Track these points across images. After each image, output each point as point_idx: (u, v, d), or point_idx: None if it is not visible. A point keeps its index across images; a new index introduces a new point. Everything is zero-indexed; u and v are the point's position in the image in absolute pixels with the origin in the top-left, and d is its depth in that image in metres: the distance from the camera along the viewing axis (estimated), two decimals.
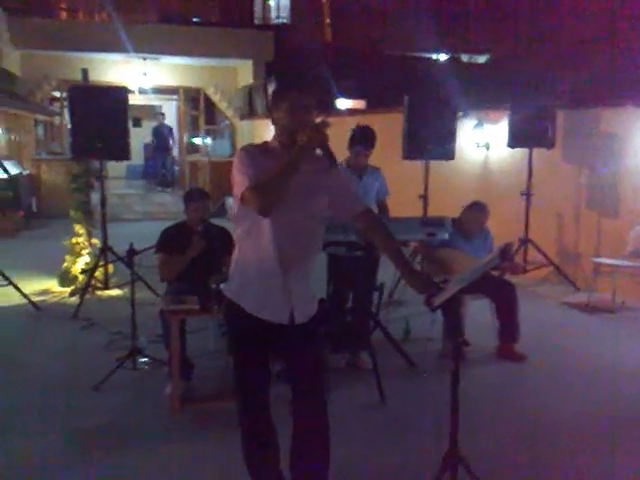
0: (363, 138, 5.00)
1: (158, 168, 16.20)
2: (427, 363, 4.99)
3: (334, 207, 2.75)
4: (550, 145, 7.45)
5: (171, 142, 15.97)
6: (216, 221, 4.82)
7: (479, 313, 5.31)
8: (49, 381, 4.68)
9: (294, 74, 13.00)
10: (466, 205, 5.39)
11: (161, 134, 15.87)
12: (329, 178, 2.69)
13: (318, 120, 2.55)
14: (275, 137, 2.68)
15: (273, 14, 16.69)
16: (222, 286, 2.83)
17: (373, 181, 5.19)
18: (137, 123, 17.16)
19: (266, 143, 2.71)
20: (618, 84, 7.93)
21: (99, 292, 7.10)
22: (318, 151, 2.55)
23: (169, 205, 14.12)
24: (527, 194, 7.71)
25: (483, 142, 8.81)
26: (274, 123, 2.66)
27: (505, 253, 2.57)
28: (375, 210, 5.17)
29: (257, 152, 2.61)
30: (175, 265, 4.53)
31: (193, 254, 4.48)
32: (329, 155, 2.50)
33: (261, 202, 2.41)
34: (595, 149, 7.47)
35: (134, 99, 13.28)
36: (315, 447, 2.77)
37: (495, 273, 5.31)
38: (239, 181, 2.51)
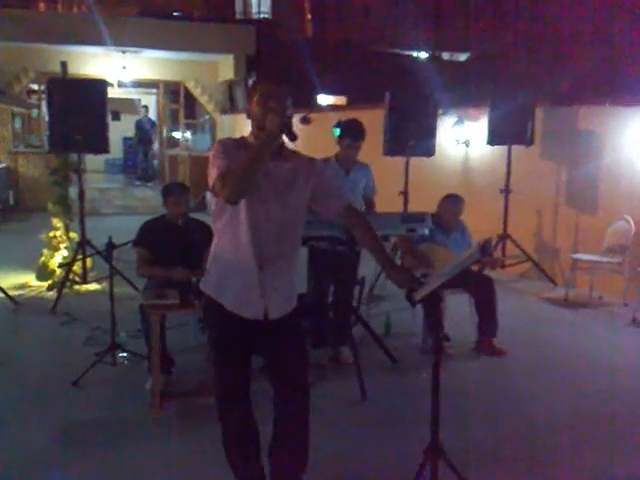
0: (352, 130, 4.99)
1: (138, 162, 16.07)
2: (408, 358, 5.02)
3: (316, 203, 2.75)
4: (529, 142, 7.52)
5: (153, 136, 15.82)
6: (196, 216, 4.80)
7: (458, 308, 5.35)
8: (28, 376, 4.64)
9: (269, 68, 12.99)
10: (442, 198, 5.45)
11: (143, 127, 15.72)
12: (311, 174, 2.70)
13: (301, 115, 2.56)
14: (251, 132, 2.68)
15: (254, 9, 16.65)
16: (201, 281, 2.82)
17: (361, 177, 5.17)
18: (116, 117, 17.00)
19: (243, 138, 2.71)
20: (598, 83, 8.01)
21: (77, 286, 7.03)
22: (291, 144, 2.54)
23: (149, 199, 14.02)
24: (506, 191, 7.77)
25: (463, 139, 8.86)
26: (248, 117, 2.66)
27: (485, 248, 2.58)
28: (362, 206, 5.19)
29: (233, 146, 2.61)
30: (152, 271, 4.50)
31: (174, 277, 4.41)
32: (291, 134, 2.48)
33: (228, 189, 2.39)
34: (573, 147, 7.54)
35: (113, 92, 13.16)
36: (295, 442, 2.78)
37: (474, 268, 5.35)
38: (211, 172, 2.51)
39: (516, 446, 3.72)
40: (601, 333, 5.88)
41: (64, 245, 7.17)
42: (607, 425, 4.00)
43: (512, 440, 3.80)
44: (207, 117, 16.24)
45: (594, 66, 8.38)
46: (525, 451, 3.67)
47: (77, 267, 7.07)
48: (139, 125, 15.85)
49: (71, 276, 6.92)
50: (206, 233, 4.45)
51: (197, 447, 3.58)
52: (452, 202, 5.38)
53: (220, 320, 2.72)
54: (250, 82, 12.37)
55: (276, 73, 12.81)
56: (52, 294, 6.68)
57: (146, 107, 16.30)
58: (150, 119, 15.94)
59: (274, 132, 2.45)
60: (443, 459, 2.78)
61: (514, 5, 11.08)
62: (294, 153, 2.73)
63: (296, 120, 11.01)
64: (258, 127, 2.60)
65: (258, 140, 2.55)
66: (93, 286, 7.08)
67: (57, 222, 7.16)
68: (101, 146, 6.90)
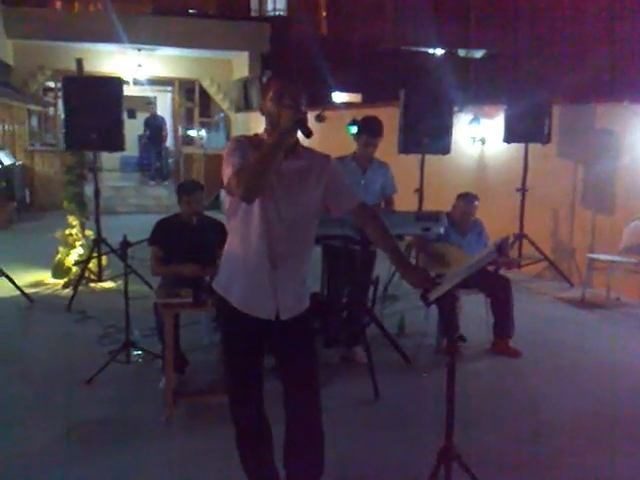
0: (370, 127, 4.95)
1: (152, 160, 16.02)
2: (422, 358, 4.99)
3: (328, 201, 2.72)
4: (546, 140, 7.44)
5: (164, 133, 15.72)
6: (211, 214, 4.80)
7: (474, 308, 5.31)
8: (43, 374, 4.66)
9: (284, 65, 12.97)
10: (456, 196, 5.41)
11: (153, 125, 15.65)
12: (324, 172, 2.67)
13: (316, 113, 2.53)
14: (265, 129, 2.66)
15: (269, 6, 16.66)
16: (213, 280, 2.81)
17: (377, 177, 5.10)
18: (132, 114, 17.05)
19: (257, 135, 2.68)
20: (616, 80, 7.92)
21: (92, 284, 7.06)
22: (304, 140, 2.52)
23: (164, 198, 14.07)
24: (522, 189, 7.71)
25: (479, 137, 8.80)
26: (262, 114, 2.64)
27: (502, 248, 2.55)
28: (380, 205, 5.15)
29: (246, 143, 2.58)
30: (167, 270, 4.52)
31: (185, 273, 4.44)
32: (306, 130, 2.46)
33: (242, 187, 2.35)
34: (591, 145, 7.47)
35: (129, 90, 13.21)
36: (309, 444, 2.76)
37: (490, 268, 5.31)
38: (226, 171, 2.49)
39: (529, 450, 3.67)
40: (617, 334, 5.81)
41: (80, 243, 7.21)
42: (620, 428, 3.95)
43: (525, 443, 3.75)
44: (222, 115, 16.27)
45: (612, 64, 8.29)
46: (539, 455, 3.62)
47: (92, 265, 7.10)
48: (148, 123, 15.78)
49: (86, 274, 6.96)
50: (220, 231, 4.45)
51: (210, 446, 3.57)
52: (465, 201, 5.34)
53: (231, 319, 2.70)
54: (265, 80, 12.36)
55: (291, 70, 12.78)
56: (67, 292, 6.72)
57: (153, 104, 16.16)
58: (159, 116, 15.84)
59: (288, 128, 2.43)
60: (458, 462, 2.75)
61: (531, 2, 10.99)
62: (308, 150, 2.70)
63: (311, 117, 11.01)
64: (272, 124, 2.57)
65: (272, 137, 2.52)
66: (108, 284, 7.11)
67: (73, 220, 7.20)
68: (116, 144, 6.92)
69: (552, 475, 3.41)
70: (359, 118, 5.16)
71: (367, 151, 4.98)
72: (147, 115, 15.81)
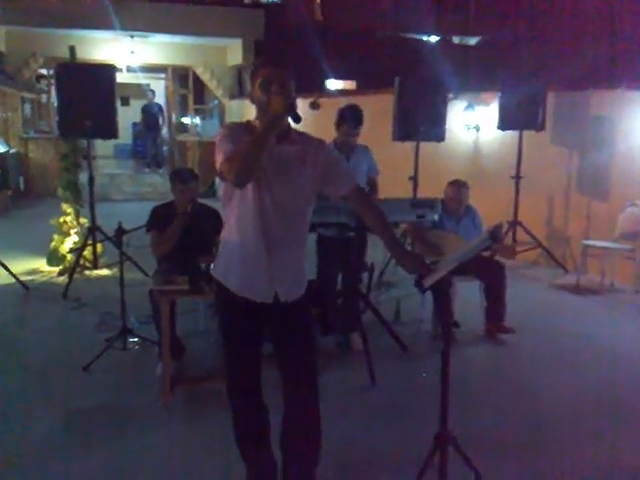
0: (351, 117, 4.97)
1: (147, 148, 15.94)
2: (418, 345, 5.02)
3: (325, 185, 2.72)
4: (540, 128, 7.45)
5: (161, 121, 15.64)
6: (205, 201, 4.80)
7: (469, 295, 5.33)
8: (40, 361, 4.67)
9: (278, 52, 12.88)
10: (447, 183, 5.43)
11: (150, 112, 15.57)
12: (318, 156, 2.67)
13: (310, 100, 2.53)
14: (256, 116, 2.66)
15: None
16: (211, 266, 2.82)
17: (362, 160, 5.15)
18: (125, 102, 16.97)
19: (249, 122, 2.68)
20: (612, 67, 7.92)
21: (88, 272, 7.07)
22: (295, 125, 2.52)
23: (159, 185, 14.03)
24: (517, 177, 7.72)
25: (473, 124, 8.79)
26: (252, 101, 2.64)
27: (495, 234, 2.56)
28: (366, 188, 5.17)
29: (238, 130, 2.58)
30: (165, 239, 4.49)
31: (181, 220, 4.43)
32: (295, 116, 2.47)
33: (234, 172, 2.37)
34: (585, 132, 7.48)
35: (122, 77, 13.13)
36: (306, 429, 2.78)
37: (485, 254, 5.33)
38: (218, 157, 2.50)
39: (524, 434, 3.71)
40: (612, 320, 5.86)
41: (74, 231, 7.20)
42: (613, 412, 3.99)
43: (520, 427, 3.79)
44: (216, 102, 16.20)
45: (609, 51, 8.28)
46: (533, 439, 3.66)
47: (88, 252, 7.09)
48: (146, 110, 15.68)
49: (82, 261, 6.96)
50: (215, 219, 4.44)
51: (207, 433, 3.59)
52: (454, 187, 5.37)
53: (229, 305, 2.71)
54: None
55: (283, 57, 12.73)
56: (63, 279, 6.72)
57: (153, 91, 16.11)
58: (157, 104, 15.77)
59: (277, 115, 2.44)
60: (453, 446, 2.78)
61: None
62: (302, 135, 2.70)
63: (306, 105, 10.97)
64: (262, 111, 2.58)
65: (263, 123, 2.53)
66: (103, 272, 7.11)
67: (67, 208, 7.19)
68: (110, 131, 6.91)
69: (549, 459, 3.44)
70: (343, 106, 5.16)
71: (348, 140, 5.00)
72: (144, 102, 15.73)
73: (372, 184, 5.27)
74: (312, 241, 4.82)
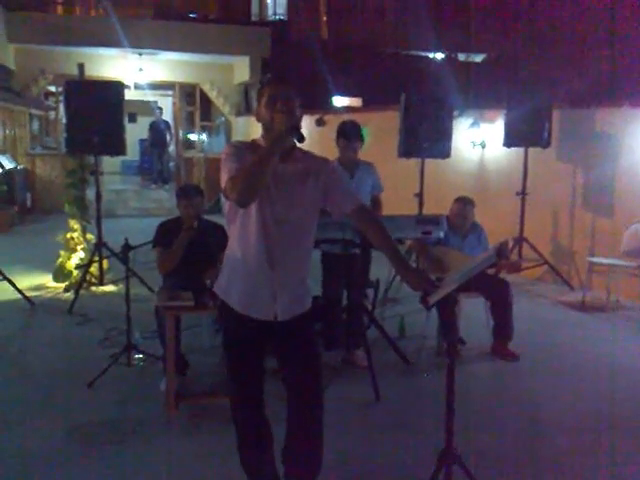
0: (346, 131, 5.00)
1: (154, 164, 16.02)
2: (422, 361, 5.01)
3: (328, 203, 2.73)
4: (546, 145, 7.47)
5: (168, 138, 15.72)
6: (211, 218, 4.81)
7: (474, 311, 5.32)
8: (45, 376, 4.67)
9: (284, 69, 12.97)
10: (453, 200, 5.44)
11: (158, 129, 15.66)
12: (321, 174, 2.68)
13: (316, 117, 2.55)
14: (261, 135, 2.67)
15: (270, 11, 16.68)
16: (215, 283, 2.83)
17: (366, 177, 5.15)
18: (132, 118, 17.10)
19: (254, 141, 2.70)
20: (616, 84, 7.95)
21: (94, 288, 7.09)
22: (304, 145, 2.53)
23: (164, 201, 14.09)
24: (522, 193, 7.73)
25: (479, 141, 8.82)
26: (258, 120, 2.65)
27: (501, 251, 2.57)
28: (368, 205, 5.18)
29: (243, 148, 2.59)
30: (170, 255, 4.49)
31: (185, 237, 4.44)
32: (298, 135, 2.47)
33: (236, 192, 2.38)
34: (590, 149, 7.49)
35: (130, 94, 13.22)
36: (309, 444, 2.77)
37: (491, 271, 5.32)
38: (223, 176, 2.51)
39: (529, 452, 3.69)
40: (618, 337, 5.82)
41: (81, 247, 7.22)
42: (622, 430, 3.96)
43: (525, 445, 3.77)
44: (222, 119, 16.29)
45: (612, 67, 8.31)
46: (539, 457, 3.63)
47: (94, 269, 7.11)
48: (153, 127, 15.80)
49: (88, 277, 6.98)
50: (221, 235, 4.45)
51: (211, 448, 3.58)
52: (460, 205, 5.37)
53: (232, 322, 2.72)
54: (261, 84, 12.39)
55: (290, 74, 12.82)
56: (69, 295, 6.73)
57: (160, 109, 16.25)
58: (165, 120, 15.88)
59: (281, 133, 2.45)
60: (458, 464, 2.77)
61: (531, 6, 11.02)
62: (306, 153, 2.72)
63: (311, 121, 11.02)
64: (267, 129, 2.60)
65: (267, 142, 2.55)
66: (109, 287, 7.12)
67: (74, 224, 7.21)
68: (118, 148, 6.95)
69: (552, 476, 3.42)
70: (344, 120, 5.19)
71: (346, 155, 5.01)
72: (151, 119, 15.82)
73: (376, 202, 5.27)
74: (317, 257, 4.83)
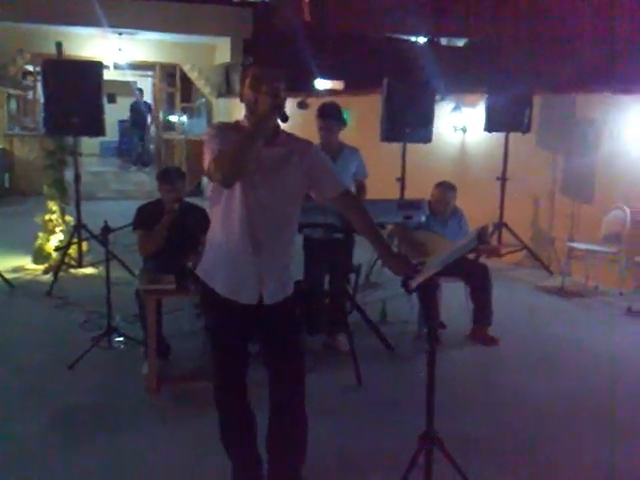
0: (323, 112, 4.96)
1: (134, 145, 15.85)
2: (404, 345, 5.03)
3: (311, 188, 2.73)
4: (526, 130, 7.50)
5: (149, 119, 15.55)
6: (192, 200, 4.78)
7: (454, 296, 5.36)
8: (25, 359, 4.64)
9: (266, 51, 12.86)
10: (434, 185, 5.45)
11: (138, 110, 15.47)
12: (305, 157, 2.67)
13: (298, 100, 2.54)
14: (245, 116, 2.66)
15: None
16: (197, 266, 2.81)
17: (349, 162, 5.10)
18: (112, 99, 16.83)
19: (237, 122, 2.68)
20: (598, 71, 7.98)
21: (73, 270, 7.03)
22: (283, 125, 2.53)
23: (145, 184, 13.96)
24: (502, 178, 7.76)
25: (460, 125, 8.83)
26: (241, 101, 2.64)
27: (482, 236, 2.58)
28: (352, 190, 5.16)
29: (226, 129, 2.59)
30: (153, 238, 4.45)
31: (168, 220, 4.41)
32: (282, 115, 2.48)
33: (221, 172, 2.38)
34: (571, 135, 7.53)
35: (109, 75, 13.06)
36: (292, 430, 2.79)
37: (471, 256, 5.36)
38: (206, 157, 2.50)
39: (509, 435, 3.74)
40: (596, 322, 5.90)
41: (60, 228, 7.16)
42: (600, 412, 4.02)
43: (505, 428, 3.82)
44: (203, 100, 16.14)
45: (593, 53, 8.34)
46: (518, 440, 3.69)
47: (73, 251, 7.05)
48: (134, 108, 15.60)
49: (67, 260, 6.92)
50: (202, 218, 4.42)
51: (193, 432, 3.58)
52: (442, 190, 5.39)
53: (215, 306, 2.71)
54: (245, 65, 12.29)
55: (273, 56, 12.72)
56: (48, 277, 6.68)
57: (141, 90, 16.06)
58: (146, 102, 15.70)
59: (265, 114, 2.44)
60: (438, 446, 2.79)
61: None
62: (290, 136, 2.71)
63: (293, 104, 10.95)
64: (251, 110, 2.58)
65: (251, 123, 2.53)
66: (89, 270, 7.07)
67: (53, 205, 7.14)
68: (97, 129, 6.88)
69: (532, 461, 3.47)
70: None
71: (322, 135, 4.95)
72: (131, 100, 15.62)
73: (360, 187, 5.26)
74: (298, 241, 4.82)
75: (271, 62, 2.63)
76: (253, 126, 2.46)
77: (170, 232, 4.47)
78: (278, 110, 2.45)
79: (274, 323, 2.72)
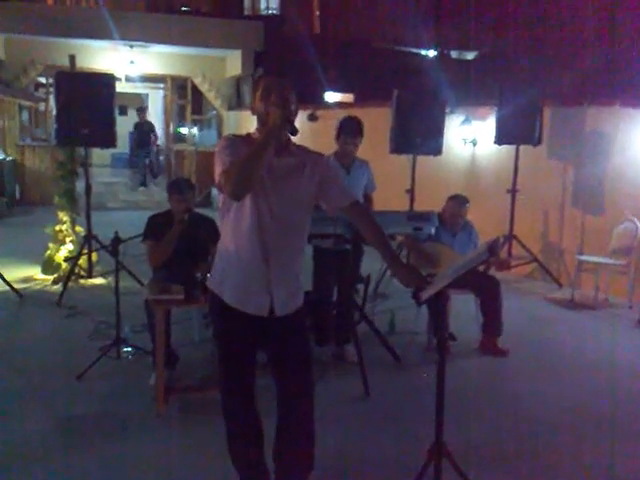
0: (349, 127, 4.99)
1: (139, 165, 15.74)
2: (412, 356, 5.02)
3: (322, 199, 2.73)
4: (537, 142, 7.49)
5: (152, 139, 15.46)
6: (202, 211, 4.80)
7: (464, 307, 5.34)
8: (33, 369, 4.64)
9: (276, 64, 12.96)
10: (447, 198, 5.44)
11: (142, 130, 15.40)
12: (316, 169, 2.68)
13: (308, 112, 2.55)
14: (256, 128, 2.67)
15: (262, 5, 16.64)
16: (208, 277, 2.82)
17: (361, 175, 5.17)
18: (123, 111, 16.99)
19: (248, 134, 2.69)
20: (608, 83, 7.98)
21: (83, 280, 7.05)
22: (297, 138, 2.53)
23: (155, 194, 14.03)
24: (513, 191, 7.75)
25: (470, 138, 8.83)
26: (253, 113, 2.65)
27: (493, 248, 2.57)
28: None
29: (238, 141, 2.58)
30: (162, 248, 4.46)
31: (177, 229, 4.41)
32: (292, 128, 2.47)
33: (230, 185, 2.38)
34: (581, 147, 7.52)
35: (121, 87, 13.14)
36: (300, 440, 2.77)
37: (480, 268, 5.33)
38: (217, 169, 2.50)
39: (517, 446, 3.71)
40: (605, 335, 5.86)
41: (70, 239, 7.18)
42: (608, 425, 3.98)
43: (513, 440, 3.79)
44: (214, 112, 16.23)
45: (602, 66, 8.34)
46: (526, 451, 3.65)
47: (83, 261, 7.08)
48: (137, 128, 15.50)
49: (77, 270, 6.94)
50: (211, 228, 4.46)
51: (200, 442, 3.58)
52: (456, 203, 5.36)
53: (224, 316, 2.71)
54: (256, 78, 12.37)
55: (282, 69, 12.79)
56: (57, 288, 6.70)
57: (143, 109, 15.90)
58: (148, 122, 15.61)
59: (275, 126, 2.45)
60: (447, 459, 2.78)
61: (522, 3, 11.03)
62: (301, 148, 2.72)
63: (303, 117, 11.00)
64: (262, 123, 2.59)
65: (261, 135, 2.54)
66: (98, 280, 7.09)
67: (63, 216, 7.17)
68: (108, 140, 6.92)
69: (541, 472, 3.44)
70: (347, 116, 5.18)
71: (345, 150, 5.01)
72: (137, 118, 15.64)
73: (368, 200, 5.27)
74: (308, 252, 4.82)
75: (282, 73, 2.64)
76: (262, 138, 2.46)
77: (179, 242, 4.48)
78: (288, 122, 2.46)
79: (283, 334, 2.71)
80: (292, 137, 2.57)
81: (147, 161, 15.52)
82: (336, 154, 5.05)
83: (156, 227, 4.58)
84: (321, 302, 4.92)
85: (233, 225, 2.61)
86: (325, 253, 4.80)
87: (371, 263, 5.09)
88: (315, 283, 4.95)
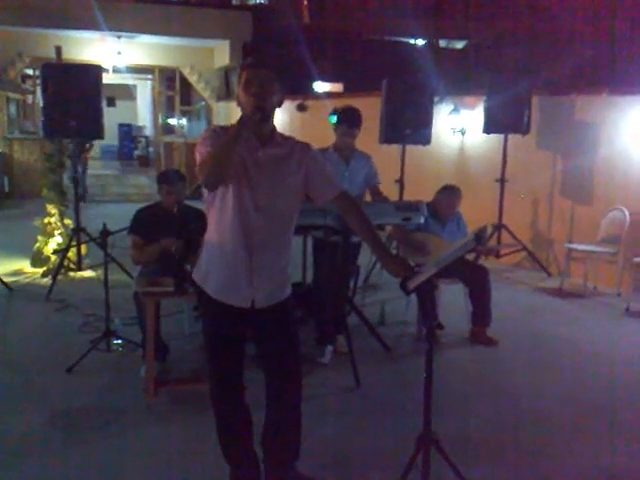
0: (348, 118, 4.96)
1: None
2: (402, 347, 5.03)
3: (309, 190, 2.72)
4: (525, 131, 7.50)
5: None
6: (192, 203, 4.78)
7: (453, 297, 5.36)
8: (23, 362, 4.63)
9: (265, 54, 12.90)
10: (439, 189, 5.43)
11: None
12: (303, 160, 2.67)
13: (297, 102, 2.55)
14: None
15: None
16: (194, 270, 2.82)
17: (361, 168, 5.10)
18: (111, 102, 16.88)
19: (232, 125, 2.68)
20: (596, 72, 8.00)
21: (72, 273, 7.03)
22: (286, 129, 2.52)
23: (144, 187, 13.99)
24: (502, 180, 7.77)
25: (459, 127, 8.84)
26: (238, 104, 2.63)
27: (480, 237, 2.57)
28: (365, 196, 5.16)
29: (219, 132, 2.57)
30: (144, 254, 4.48)
31: (162, 248, 4.41)
32: (263, 114, 2.47)
33: (203, 176, 2.40)
34: (570, 136, 7.54)
35: (108, 78, 13.08)
36: (287, 430, 2.79)
37: (469, 257, 5.36)
38: (197, 159, 2.51)
39: (508, 436, 3.73)
40: (595, 323, 5.90)
41: (59, 232, 7.15)
42: (599, 415, 4.02)
43: (502, 429, 3.81)
44: (202, 104, 16.17)
45: (592, 55, 8.36)
46: (516, 440, 3.68)
47: (72, 254, 7.05)
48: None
49: (66, 263, 6.91)
50: (201, 221, 4.40)
51: (190, 434, 3.58)
52: (449, 195, 5.36)
53: (210, 308, 2.71)
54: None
55: (272, 59, 12.74)
56: (46, 281, 6.67)
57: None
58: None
59: (248, 116, 2.45)
60: (436, 447, 2.79)
61: None
62: (287, 138, 2.70)
63: (292, 107, 10.97)
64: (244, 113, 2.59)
65: (235, 126, 2.52)
66: (87, 273, 7.07)
67: (52, 208, 7.13)
68: (96, 132, 6.88)
69: (531, 462, 3.46)
70: (339, 108, 5.15)
71: (345, 141, 4.98)
72: (130, 103, 15.54)
73: (377, 192, 5.22)
74: (296, 243, 4.82)
75: (266, 63, 2.61)
76: (234, 130, 2.44)
77: (169, 235, 4.46)
78: (260, 112, 2.45)
79: (269, 325, 2.72)
80: (282, 126, 2.55)
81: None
82: (335, 146, 5.01)
83: (142, 222, 4.57)
84: (323, 299, 4.84)
85: (217, 217, 2.61)
86: (323, 245, 4.76)
87: (361, 255, 5.09)
88: (315, 276, 4.91)
